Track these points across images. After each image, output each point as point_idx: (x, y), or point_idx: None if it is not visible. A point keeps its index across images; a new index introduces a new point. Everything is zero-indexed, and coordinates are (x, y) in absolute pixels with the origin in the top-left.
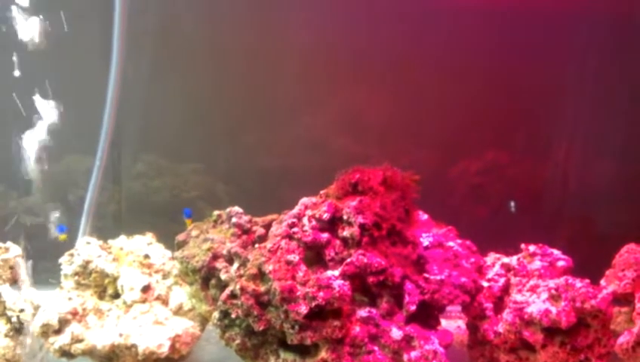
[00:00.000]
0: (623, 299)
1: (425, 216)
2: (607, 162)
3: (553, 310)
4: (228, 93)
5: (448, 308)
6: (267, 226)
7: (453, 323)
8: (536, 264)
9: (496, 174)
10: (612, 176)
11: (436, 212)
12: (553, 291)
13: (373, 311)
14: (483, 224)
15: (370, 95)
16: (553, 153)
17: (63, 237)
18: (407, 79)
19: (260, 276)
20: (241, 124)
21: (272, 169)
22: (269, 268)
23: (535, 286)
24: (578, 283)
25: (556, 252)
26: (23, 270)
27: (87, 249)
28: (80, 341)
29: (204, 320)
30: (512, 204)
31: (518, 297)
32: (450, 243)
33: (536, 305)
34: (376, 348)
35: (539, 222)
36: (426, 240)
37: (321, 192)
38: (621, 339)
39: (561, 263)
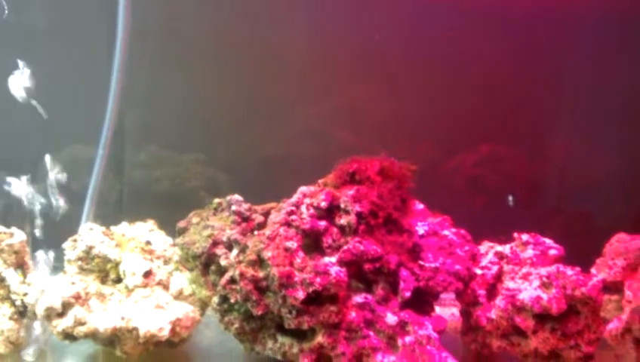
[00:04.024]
0: (613, 287)
1: (421, 206)
2: (603, 154)
3: (544, 297)
4: (229, 85)
5: (443, 296)
6: (266, 214)
7: (448, 311)
8: (529, 252)
9: (492, 166)
10: (607, 168)
11: (434, 202)
12: (544, 278)
13: (369, 297)
14: (479, 214)
15: (370, 88)
16: (549, 145)
17: None
18: (406, 73)
19: (259, 262)
20: (242, 115)
21: (272, 159)
22: (267, 254)
23: (527, 273)
24: (569, 271)
25: (548, 241)
26: (28, 255)
27: (90, 235)
28: (82, 324)
29: (204, 305)
30: (508, 195)
31: (511, 284)
32: (445, 232)
33: (528, 292)
34: (371, 333)
35: (534, 212)
36: (421, 228)
37: (320, 181)
38: (610, 326)
39: (552, 252)
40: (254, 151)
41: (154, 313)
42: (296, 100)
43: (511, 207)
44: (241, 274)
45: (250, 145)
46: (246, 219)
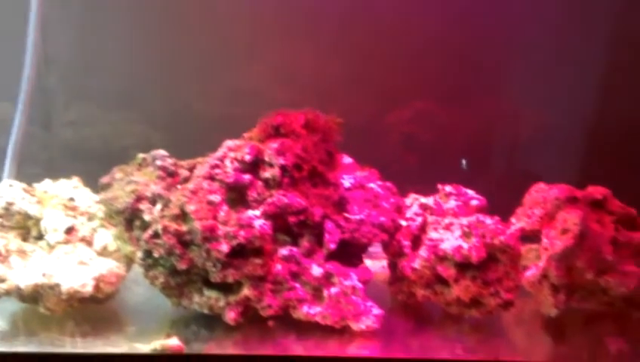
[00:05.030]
0: (533, 236)
1: (349, 160)
2: (533, 110)
3: (465, 246)
4: (161, 41)
5: (374, 249)
6: (192, 169)
7: (379, 263)
8: (452, 203)
9: (425, 122)
10: (536, 124)
11: (369, 157)
12: (465, 228)
13: (295, 249)
14: (413, 169)
15: (306, 44)
16: (481, 102)
17: None
18: (343, 29)
19: (182, 216)
20: (175, 72)
21: (206, 117)
22: (190, 208)
23: (450, 224)
24: (488, 220)
25: (470, 192)
26: None
27: (9, 191)
28: (3, 281)
29: (129, 261)
30: (442, 150)
31: (434, 235)
32: (371, 185)
33: (450, 241)
34: (297, 285)
35: (469, 167)
36: (347, 181)
37: (245, 135)
38: (528, 273)
39: (474, 202)
40: (188, 109)
41: (77, 269)
42: (230, 57)
43: (446, 162)
44: (164, 228)
45: (184, 102)
46: (171, 174)
